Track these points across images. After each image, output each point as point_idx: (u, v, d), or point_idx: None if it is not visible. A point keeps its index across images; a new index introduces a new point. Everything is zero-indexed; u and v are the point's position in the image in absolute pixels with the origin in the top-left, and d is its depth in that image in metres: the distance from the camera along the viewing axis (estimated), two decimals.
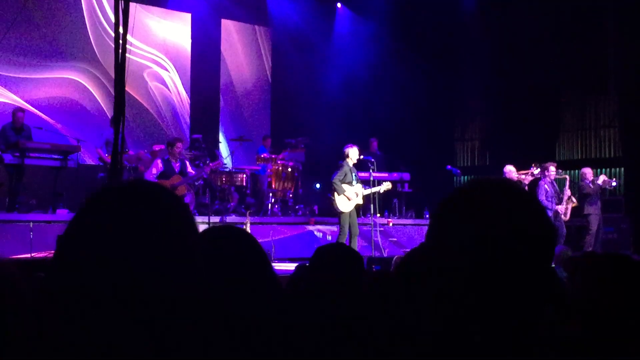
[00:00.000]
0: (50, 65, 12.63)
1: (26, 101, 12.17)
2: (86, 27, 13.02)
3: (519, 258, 1.04)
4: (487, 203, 1.07)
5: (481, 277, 1.03)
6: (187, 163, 10.40)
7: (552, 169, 11.02)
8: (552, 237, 1.09)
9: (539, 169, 11.14)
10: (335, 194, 9.50)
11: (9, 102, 11.90)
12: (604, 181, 11.20)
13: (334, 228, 10.51)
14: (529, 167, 11.33)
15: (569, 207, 10.99)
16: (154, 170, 10.01)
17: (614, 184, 11.41)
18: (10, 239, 8.66)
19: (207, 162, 11.33)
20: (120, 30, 4.94)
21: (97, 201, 1.02)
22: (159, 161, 10.13)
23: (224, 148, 14.25)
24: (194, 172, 10.33)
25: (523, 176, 11.13)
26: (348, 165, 9.59)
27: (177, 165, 10.17)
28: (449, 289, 1.05)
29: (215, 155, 12.66)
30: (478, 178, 1.16)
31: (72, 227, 1.00)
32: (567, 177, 11.30)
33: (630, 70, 12.78)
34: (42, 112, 12.37)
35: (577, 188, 11.40)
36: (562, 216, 10.87)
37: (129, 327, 0.93)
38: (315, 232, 11.16)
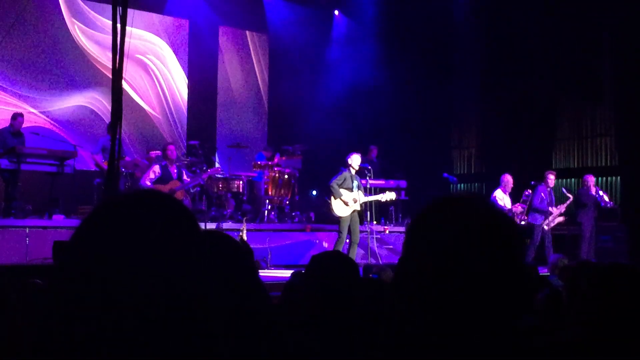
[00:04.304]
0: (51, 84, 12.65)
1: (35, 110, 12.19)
2: (74, 39, 13.03)
3: (488, 260, 1.12)
4: (454, 214, 1.16)
5: (454, 282, 1.11)
6: (184, 171, 10.41)
7: (552, 177, 11.33)
8: (519, 238, 1.18)
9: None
10: (332, 197, 9.52)
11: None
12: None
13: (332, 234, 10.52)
14: (524, 175, 11.42)
15: (556, 220, 11.20)
16: (152, 175, 9.99)
17: (608, 202, 11.55)
18: (5, 244, 8.63)
19: (205, 168, 11.33)
20: (118, 37, 4.96)
21: (104, 209, 1.03)
22: (156, 167, 10.12)
23: (220, 154, 14.25)
24: (189, 180, 10.34)
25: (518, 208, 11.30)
26: (349, 172, 9.62)
27: (174, 171, 10.18)
28: (425, 295, 1.12)
29: (212, 161, 12.65)
30: (447, 194, 1.28)
31: (79, 233, 1.00)
32: (571, 197, 11.40)
33: (626, 79, 12.83)
34: (48, 120, 12.38)
35: (576, 195, 11.51)
36: (545, 226, 11.02)
37: (137, 330, 0.93)
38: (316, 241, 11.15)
